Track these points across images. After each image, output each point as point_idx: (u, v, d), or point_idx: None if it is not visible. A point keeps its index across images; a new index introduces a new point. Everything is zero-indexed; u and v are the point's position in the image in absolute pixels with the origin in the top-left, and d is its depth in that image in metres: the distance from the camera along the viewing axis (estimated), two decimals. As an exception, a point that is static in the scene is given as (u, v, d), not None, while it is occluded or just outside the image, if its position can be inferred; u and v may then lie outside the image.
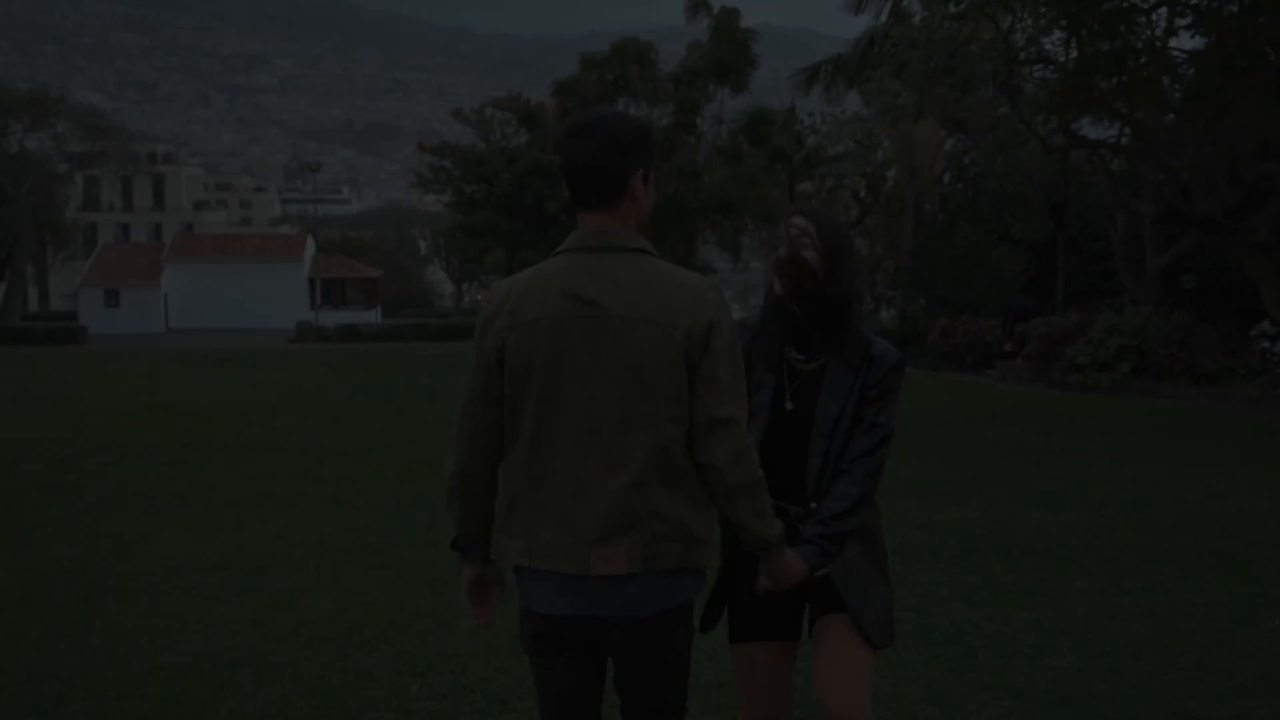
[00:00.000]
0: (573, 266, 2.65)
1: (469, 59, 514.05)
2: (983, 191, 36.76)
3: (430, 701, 4.87)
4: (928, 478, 10.34)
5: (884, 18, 34.95)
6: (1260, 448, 12.89)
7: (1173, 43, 17.87)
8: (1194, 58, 17.24)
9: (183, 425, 15.35)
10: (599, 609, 2.63)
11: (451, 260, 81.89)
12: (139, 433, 14.52)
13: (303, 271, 73.85)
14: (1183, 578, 6.80)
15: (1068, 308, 27.15)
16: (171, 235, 79.64)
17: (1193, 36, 16.70)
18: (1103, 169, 23.15)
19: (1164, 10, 16.54)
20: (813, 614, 3.12)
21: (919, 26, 24.06)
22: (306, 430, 14.89)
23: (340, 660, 5.40)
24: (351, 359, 36.69)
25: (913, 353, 28.66)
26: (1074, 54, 18.60)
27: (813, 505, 3.00)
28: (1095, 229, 33.19)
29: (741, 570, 3.02)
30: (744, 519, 2.70)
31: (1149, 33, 16.55)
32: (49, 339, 54.37)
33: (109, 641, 5.69)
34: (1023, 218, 34.15)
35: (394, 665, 5.33)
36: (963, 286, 31.19)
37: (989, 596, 6.41)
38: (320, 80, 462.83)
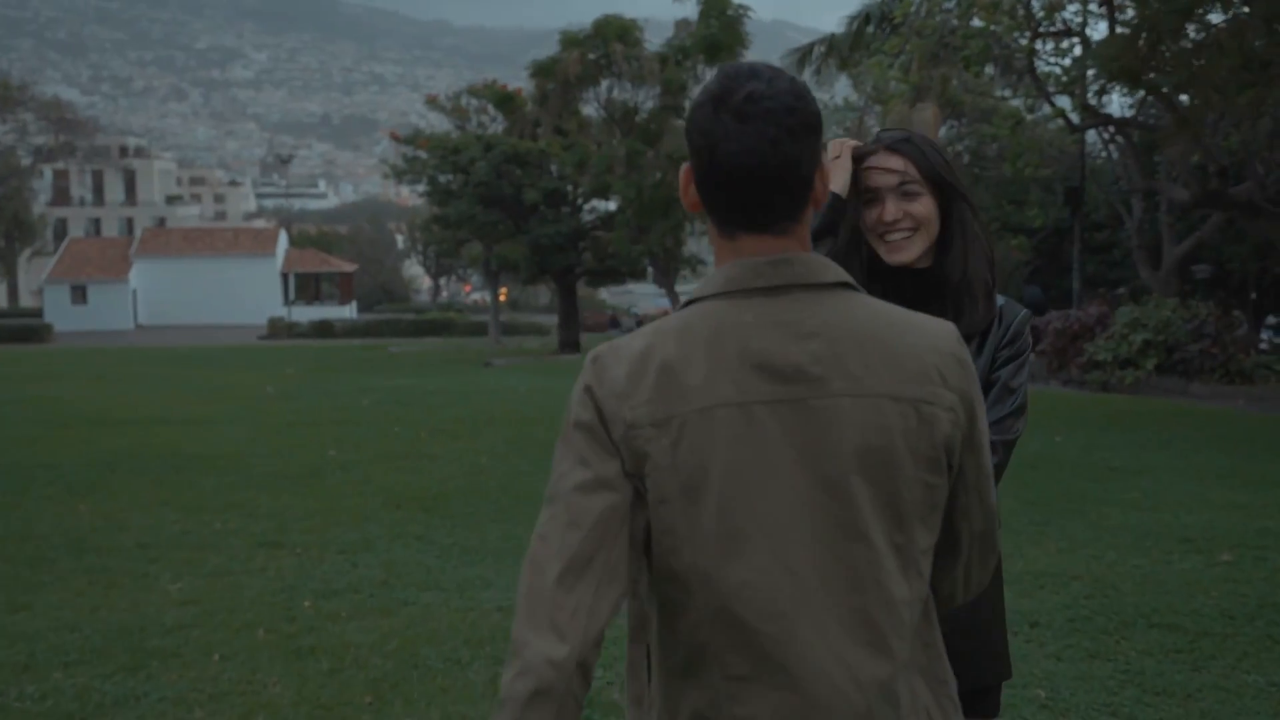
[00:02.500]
0: (751, 318, 1.63)
1: (447, 52, 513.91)
2: (980, 179, 35.41)
3: None
4: (1002, 516, 8.60)
5: (879, -4, 33.35)
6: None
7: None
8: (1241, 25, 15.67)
9: (111, 440, 13.53)
10: None
11: (428, 254, 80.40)
12: (57, 450, 12.70)
13: (275, 266, 72.64)
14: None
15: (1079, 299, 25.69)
16: (142, 230, 77.85)
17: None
18: (1130, 150, 21.52)
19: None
20: None
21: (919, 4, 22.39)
22: (254, 446, 13.10)
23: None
24: (321, 357, 35.04)
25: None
26: (1121, 16, 17.00)
27: None
28: (1098, 217, 31.78)
29: None
30: None
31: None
32: (11, 337, 52.74)
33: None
34: (1026, 204, 32.79)
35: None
36: (965, 278, 29.63)
37: (1131, 696, 4.71)
38: (297, 74, 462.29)
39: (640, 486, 1.59)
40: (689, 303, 1.68)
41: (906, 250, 2.35)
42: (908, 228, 2.34)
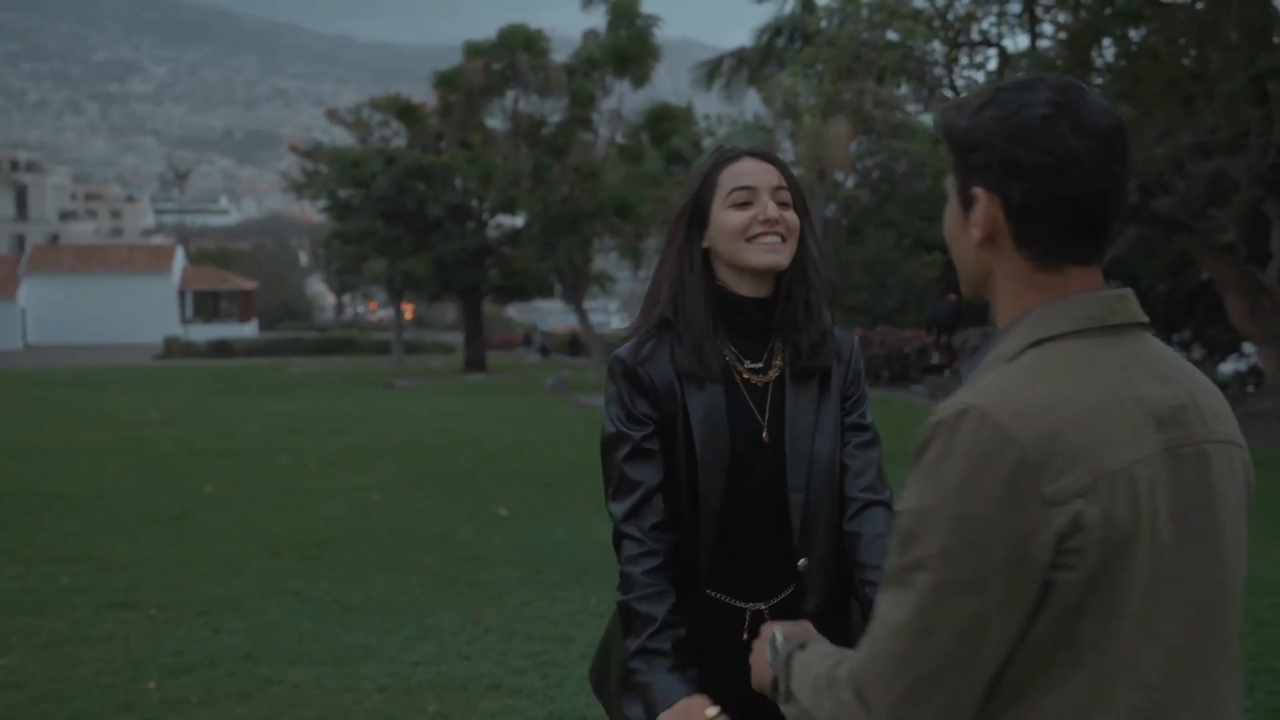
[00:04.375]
0: (1120, 360, 1.46)
1: (352, 67, 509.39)
2: (891, 195, 35.17)
3: None
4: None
5: (790, 8, 33.00)
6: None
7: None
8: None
9: (-35, 477, 12.32)
10: None
11: (332, 271, 78.73)
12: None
13: (172, 283, 70.66)
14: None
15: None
16: (32, 246, 75.24)
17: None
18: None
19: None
20: None
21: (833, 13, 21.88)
22: (123, 482, 11.97)
23: None
24: (216, 378, 33.62)
25: (825, 365, 26.79)
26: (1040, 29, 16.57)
27: (801, 562, 2.18)
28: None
29: None
30: None
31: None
32: (-114, 360, 50.30)
33: None
34: (937, 220, 32.55)
35: None
36: (877, 295, 29.34)
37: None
38: (198, 88, 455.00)
39: (1052, 570, 1.36)
40: (1033, 344, 1.48)
41: (781, 253, 2.17)
42: (781, 232, 2.16)
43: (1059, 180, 1.44)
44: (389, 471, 12.49)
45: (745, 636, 2.15)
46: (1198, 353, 29.38)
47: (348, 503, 10.45)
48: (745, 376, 2.20)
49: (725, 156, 2.22)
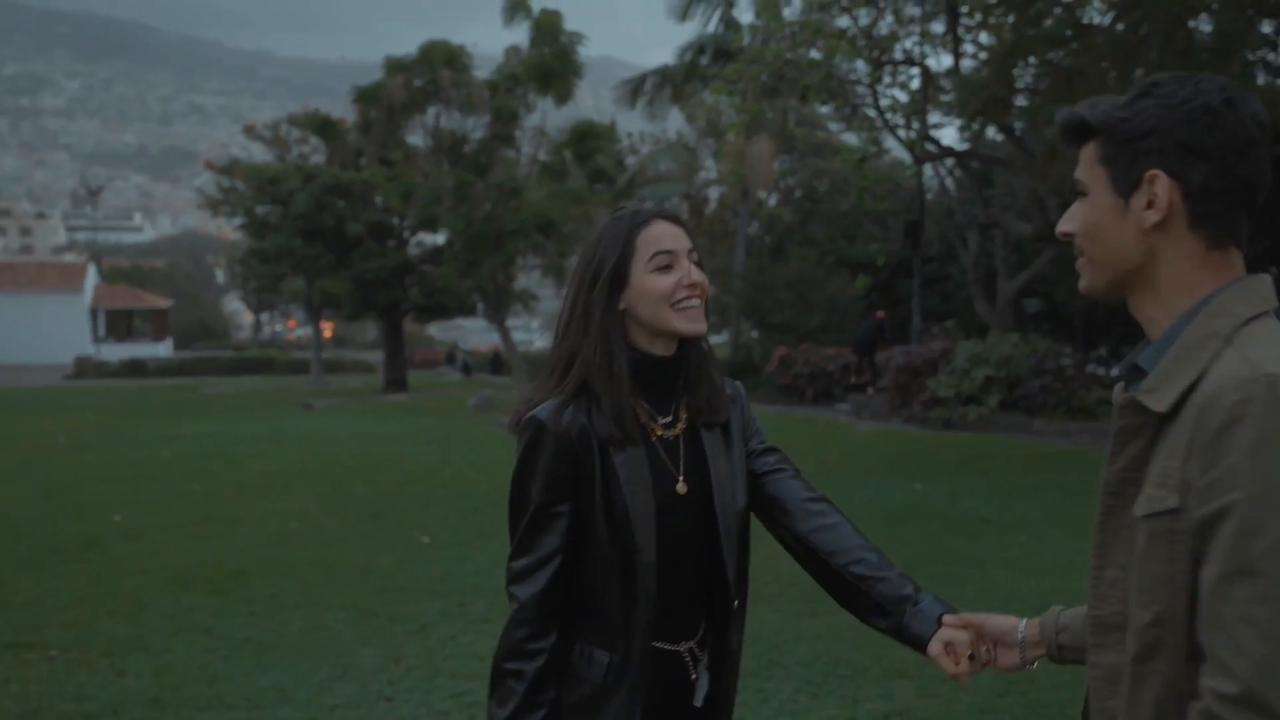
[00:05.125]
0: None
1: (270, 83, 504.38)
2: (814, 213, 35.30)
3: None
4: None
5: (712, 26, 33.04)
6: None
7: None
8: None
9: None
10: None
11: (249, 289, 77.60)
12: None
13: (83, 302, 69.07)
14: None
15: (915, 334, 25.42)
16: (-63, 264, 73.26)
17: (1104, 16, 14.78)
18: (972, 183, 21.27)
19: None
20: None
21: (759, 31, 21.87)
22: (26, 511, 11.44)
23: None
24: (129, 399, 32.79)
25: (749, 384, 26.72)
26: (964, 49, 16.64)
27: (736, 603, 2.28)
28: (931, 250, 31.82)
29: None
30: None
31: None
32: None
33: None
34: (859, 238, 32.69)
35: None
36: (801, 313, 29.34)
37: None
38: (111, 103, 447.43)
39: None
40: (1247, 322, 1.56)
41: (702, 320, 2.23)
42: (700, 296, 2.21)
43: (1239, 162, 1.56)
44: (307, 497, 12.11)
45: (694, 675, 2.26)
46: (1115, 370, 29.75)
47: (263, 531, 10.08)
48: (659, 433, 2.25)
49: (640, 219, 2.23)
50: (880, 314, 26.61)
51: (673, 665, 2.25)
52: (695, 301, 2.20)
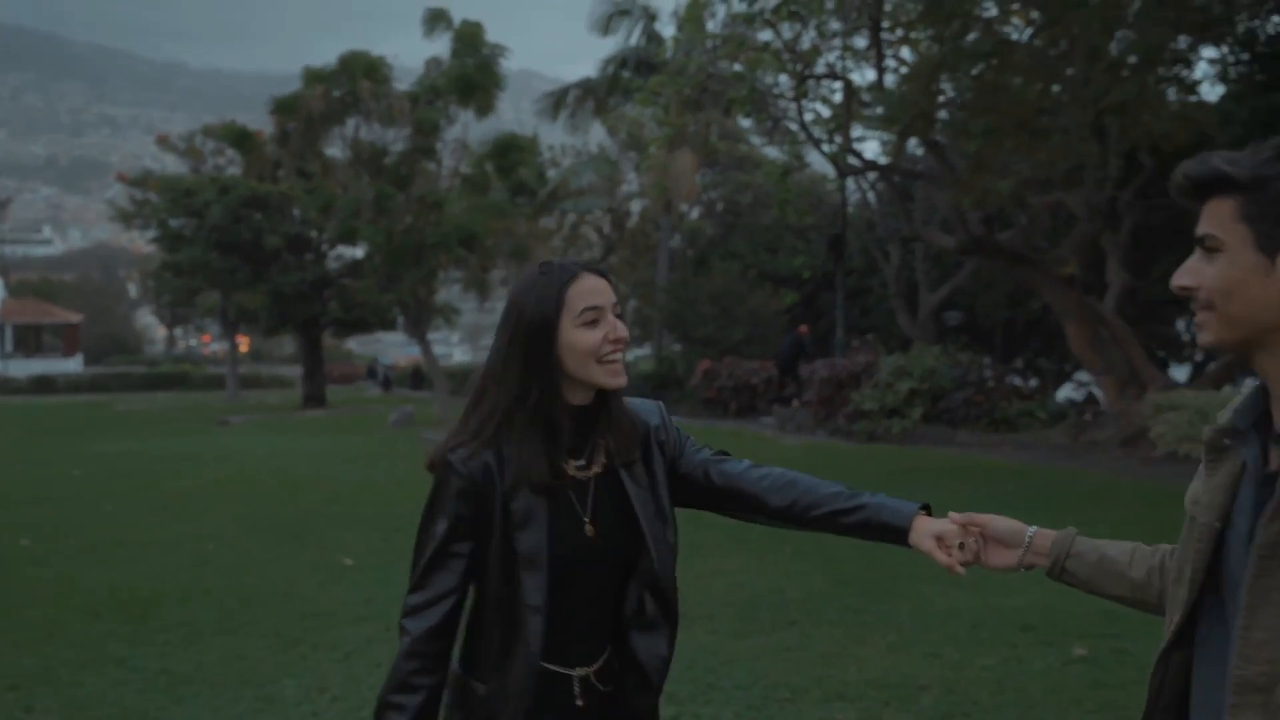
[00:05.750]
0: None
1: (183, 94, 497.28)
2: (736, 227, 35.37)
3: None
4: (816, 603, 7.60)
5: (635, 40, 33.00)
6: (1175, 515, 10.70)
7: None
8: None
9: None
10: None
11: (162, 303, 76.27)
12: None
13: (-11, 317, 67.23)
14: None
15: (838, 347, 25.52)
16: None
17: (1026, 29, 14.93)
18: (896, 197, 21.39)
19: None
20: None
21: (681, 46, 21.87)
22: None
23: None
24: (37, 416, 31.94)
25: (672, 398, 26.70)
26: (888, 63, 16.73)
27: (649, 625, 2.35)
28: (853, 264, 32.03)
29: None
30: None
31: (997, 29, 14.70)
32: None
33: None
34: (781, 251, 32.80)
35: None
36: (724, 327, 29.35)
37: None
38: (20, 114, 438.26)
39: None
40: None
41: (622, 373, 2.30)
42: (622, 349, 2.29)
43: None
44: (225, 518, 11.76)
45: (580, 703, 2.31)
46: (1033, 382, 30.06)
47: (179, 555, 9.74)
48: (572, 475, 2.31)
49: (569, 274, 2.27)
50: (802, 329, 26.68)
51: (562, 689, 2.31)
52: (619, 356, 2.28)
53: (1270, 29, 18.83)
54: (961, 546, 2.20)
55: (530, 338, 2.24)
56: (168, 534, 10.83)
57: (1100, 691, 5.51)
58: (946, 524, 2.22)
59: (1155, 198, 21.03)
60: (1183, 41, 16.91)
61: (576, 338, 2.24)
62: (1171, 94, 18.49)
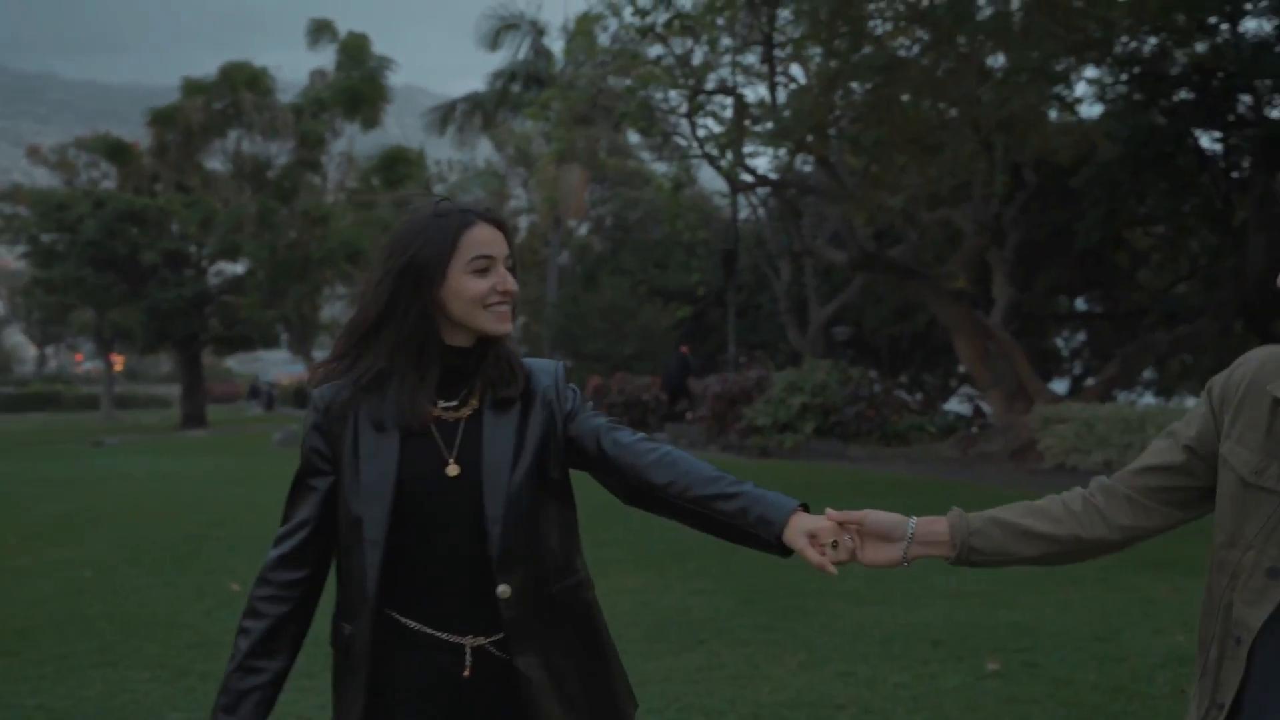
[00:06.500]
0: None
1: (55, 106, 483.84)
2: (625, 242, 35.37)
3: None
4: (724, 622, 7.46)
5: (523, 54, 32.82)
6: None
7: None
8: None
9: None
10: None
11: (32, 321, 73.95)
12: None
13: None
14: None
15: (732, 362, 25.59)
16: None
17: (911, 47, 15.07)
18: (789, 213, 21.51)
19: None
20: None
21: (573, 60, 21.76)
22: None
23: None
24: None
25: (564, 414, 26.44)
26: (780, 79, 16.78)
27: (501, 589, 2.20)
28: (743, 280, 32.21)
29: None
30: None
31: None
32: None
33: None
34: (668, 266, 32.85)
35: None
36: (614, 342, 29.30)
37: None
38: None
39: None
40: None
41: (509, 321, 2.30)
42: (510, 302, 2.29)
43: None
44: (102, 544, 11.26)
45: (468, 674, 2.22)
46: (917, 396, 30.47)
47: (54, 583, 9.26)
48: (437, 415, 2.27)
49: (466, 220, 2.25)
50: (683, 349, 26.77)
51: (450, 658, 2.24)
52: (505, 306, 2.27)
53: (1147, 50, 19.34)
54: (835, 545, 2.15)
55: (416, 276, 2.21)
56: (40, 561, 10.31)
57: (1015, 706, 5.46)
58: (821, 521, 2.16)
59: (1038, 213, 21.48)
60: (1064, 61, 17.27)
61: (464, 284, 2.22)
62: (1053, 113, 18.89)
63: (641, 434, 2.36)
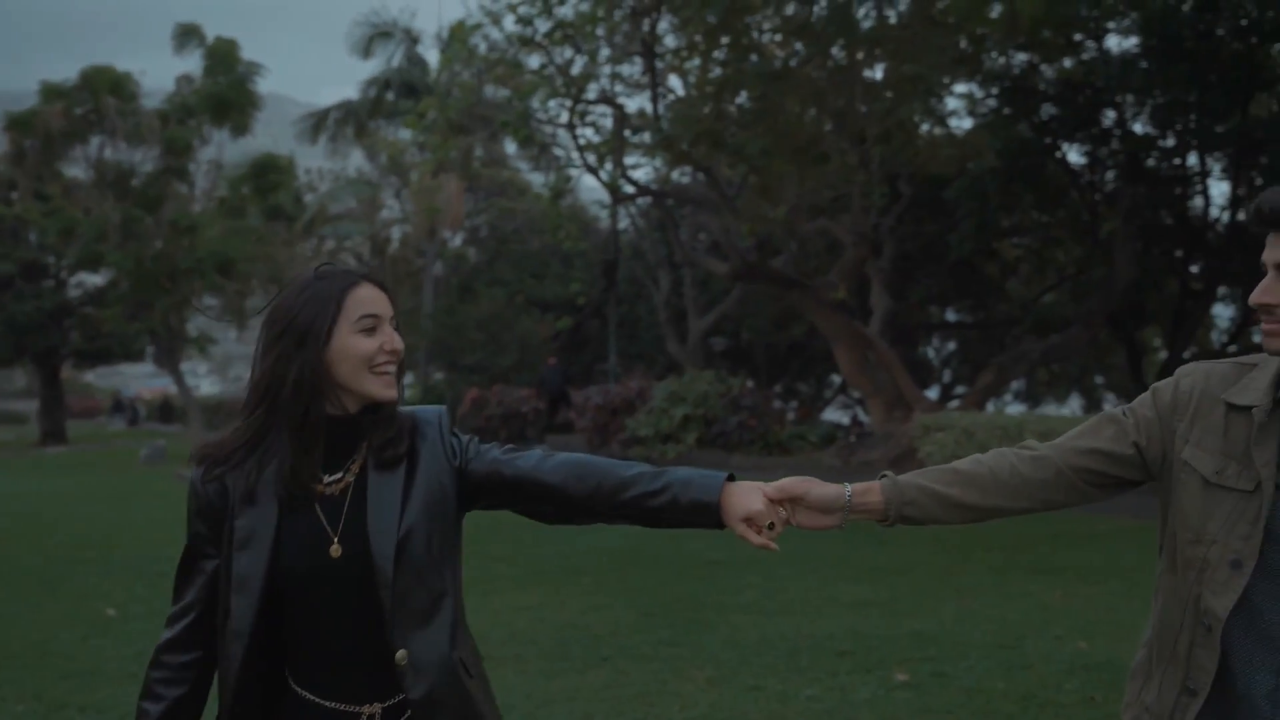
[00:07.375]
0: None
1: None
2: (501, 253, 35.09)
3: None
4: (626, 637, 7.33)
5: (397, 62, 32.39)
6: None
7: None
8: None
9: None
10: None
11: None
12: None
13: None
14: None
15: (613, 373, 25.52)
16: None
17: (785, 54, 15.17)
18: (670, 223, 21.50)
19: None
20: None
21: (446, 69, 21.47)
22: None
23: None
24: None
25: (440, 428, 26.11)
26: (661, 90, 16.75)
27: (400, 654, 2.14)
28: (622, 291, 32.18)
29: None
30: None
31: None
32: None
33: None
34: (545, 277, 32.66)
35: None
36: (493, 354, 29.00)
37: None
38: None
39: None
40: None
41: (394, 386, 2.23)
42: (396, 362, 2.23)
43: None
44: (-38, 568, 10.69)
45: None
46: (792, 404, 30.78)
47: (-88, 611, 8.75)
48: (321, 490, 2.21)
49: (350, 280, 2.21)
50: (551, 360, 26.74)
51: None
52: (392, 368, 2.22)
53: (1017, 66, 19.81)
54: (772, 526, 2.20)
55: (300, 338, 2.16)
56: (-104, 588, 9.74)
57: (927, 717, 5.43)
58: (756, 503, 2.17)
59: (913, 224, 21.83)
60: (936, 76, 17.60)
61: (351, 344, 2.17)
62: (925, 126, 19.22)
63: (536, 450, 2.33)
